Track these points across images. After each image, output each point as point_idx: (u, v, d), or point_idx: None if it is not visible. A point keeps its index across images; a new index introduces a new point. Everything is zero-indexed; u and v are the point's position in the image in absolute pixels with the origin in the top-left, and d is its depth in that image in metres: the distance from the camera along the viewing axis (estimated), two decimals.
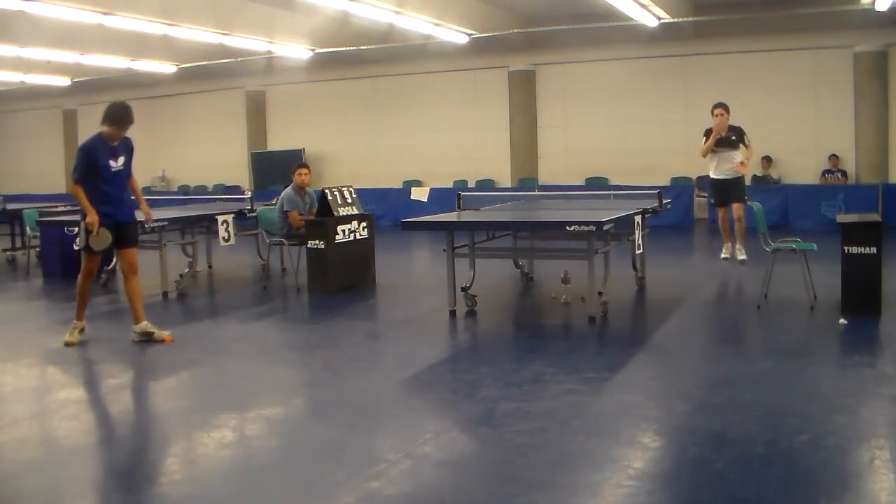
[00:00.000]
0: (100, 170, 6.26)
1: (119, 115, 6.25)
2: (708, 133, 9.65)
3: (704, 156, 9.71)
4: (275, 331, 7.32)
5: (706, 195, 9.87)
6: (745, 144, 9.59)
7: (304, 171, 9.24)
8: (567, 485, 3.61)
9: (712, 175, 9.82)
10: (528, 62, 16.96)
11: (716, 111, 9.55)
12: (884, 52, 14.41)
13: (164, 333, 6.49)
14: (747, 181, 10.55)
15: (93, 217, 6.19)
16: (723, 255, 9.84)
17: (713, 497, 3.46)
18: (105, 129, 6.28)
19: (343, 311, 7.73)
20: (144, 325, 6.49)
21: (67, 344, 6.42)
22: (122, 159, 6.40)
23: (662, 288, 8.48)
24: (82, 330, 6.59)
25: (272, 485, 3.67)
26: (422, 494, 3.66)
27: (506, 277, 9.07)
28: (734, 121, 9.71)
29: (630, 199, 8.55)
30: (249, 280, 9.89)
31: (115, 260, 9.42)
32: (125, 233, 6.51)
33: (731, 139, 9.52)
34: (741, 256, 9.64)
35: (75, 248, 7.49)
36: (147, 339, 6.44)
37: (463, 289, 7.46)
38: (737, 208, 9.64)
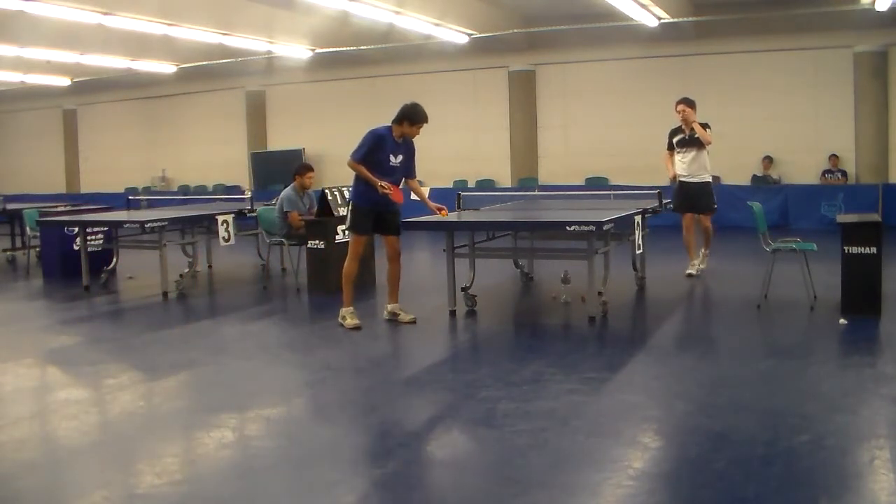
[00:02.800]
0: (379, 160, 6.60)
1: (413, 114, 6.66)
2: (671, 134, 8.95)
3: (671, 170, 9.00)
4: (275, 331, 7.32)
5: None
6: (706, 130, 8.68)
7: (312, 174, 9.25)
8: (567, 485, 3.61)
9: (680, 177, 8.91)
10: (528, 62, 16.96)
11: (678, 107, 8.73)
12: (884, 52, 14.40)
13: (409, 316, 6.91)
14: (749, 181, 10.27)
15: (380, 185, 6.51)
16: (687, 272, 8.89)
17: (713, 497, 3.46)
18: (399, 126, 6.68)
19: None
20: (395, 306, 6.99)
21: (355, 328, 6.74)
22: (400, 157, 6.74)
23: (662, 288, 8.48)
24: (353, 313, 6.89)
25: (272, 485, 3.67)
26: (422, 494, 3.66)
27: (506, 277, 9.07)
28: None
29: (630, 199, 8.55)
30: (249, 280, 9.89)
31: (115, 260, 9.45)
32: (389, 221, 6.84)
33: (694, 137, 8.69)
34: (695, 268, 8.89)
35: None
36: (393, 318, 6.96)
37: (463, 289, 7.46)
38: (704, 219, 8.91)
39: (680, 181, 8.92)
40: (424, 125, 6.69)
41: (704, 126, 8.75)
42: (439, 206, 7.06)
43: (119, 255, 9.51)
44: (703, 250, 9.10)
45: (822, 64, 14.79)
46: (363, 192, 6.69)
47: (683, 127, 8.83)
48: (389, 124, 6.70)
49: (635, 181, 14.31)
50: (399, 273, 6.97)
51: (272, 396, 5.11)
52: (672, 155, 9.01)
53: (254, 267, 10.50)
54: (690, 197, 8.86)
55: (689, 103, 8.78)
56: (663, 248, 10.45)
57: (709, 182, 8.94)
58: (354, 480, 3.69)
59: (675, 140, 8.93)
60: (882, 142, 14.56)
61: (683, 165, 8.87)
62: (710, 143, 8.70)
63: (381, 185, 6.49)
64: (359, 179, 6.70)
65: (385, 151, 6.62)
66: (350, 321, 6.79)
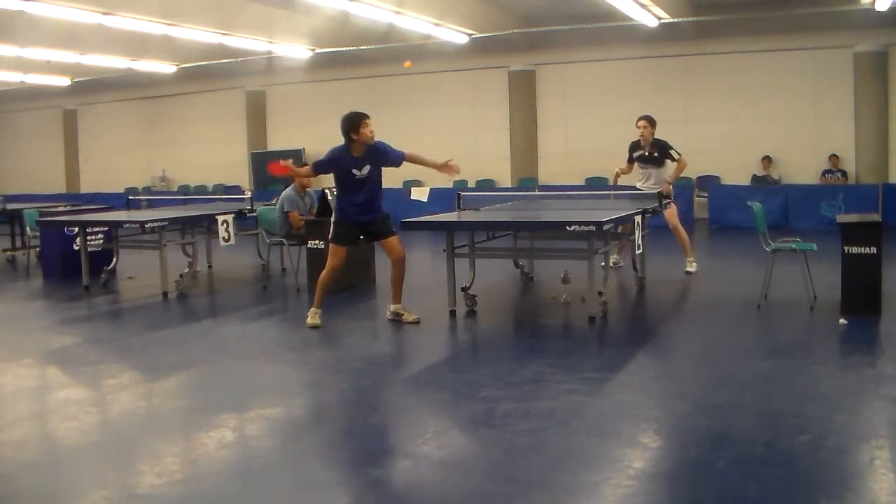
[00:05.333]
0: (343, 175, 6.66)
1: (350, 121, 6.63)
2: (631, 148, 9.09)
3: (627, 173, 9.18)
4: (275, 331, 7.32)
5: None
6: (672, 159, 8.91)
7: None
8: (567, 485, 3.60)
9: (638, 186, 9.12)
10: (528, 62, 16.96)
11: (639, 123, 8.93)
12: (884, 52, 14.40)
13: (412, 316, 6.93)
14: (750, 181, 10.26)
15: (296, 172, 7.09)
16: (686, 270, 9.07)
17: (713, 497, 3.46)
18: (351, 141, 6.65)
19: (343, 311, 7.72)
20: (398, 306, 6.99)
21: (313, 326, 6.81)
22: (367, 168, 6.67)
23: (662, 288, 8.48)
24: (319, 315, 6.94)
25: (272, 485, 3.67)
26: (422, 494, 3.66)
27: (506, 277, 9.06)
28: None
29: (630, 199, 8.55)
30: (249, 280, 9.88)
31: (115, 260, 9.45)
32: (377, 227, 6.87)
33: (653, 156, 8.89)
34: (690, 268, 9.02)
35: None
36: (396, 318, 6.97)
37: (463, 289, 7.46)
38: (670, 214, 8.86)
39: (637, 189, 9.10)
40: (371, 119, 6.66)
41: (667, 147, 8.93)
42: (445, 163, 6.90)
43: (119, 255, 9.51)
44: (688, 257, 9.18)
45: (822, 64, 14.79)
46: (342, 207, 6.79)
47: (642, 143, 9.00)
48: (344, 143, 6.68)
49: (635, 181, 14.29)
50: (402, 274, 6.94)
51: (272, 396, 5.11)
52: (630, 165, 9.20)
53: (254, 267, 10.50)
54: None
55: (651, 121, 8.99)
56: (663, 248, 10.44)
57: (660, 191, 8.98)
58: (354, 480, 3.69)
59: (634, 155, 9.11)
60: (882, 142, 14.56)
61: (642, 180, 9.13)
62: (683, 169, 9.09)
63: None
64: (337, 195, 6.88)
65: (345, 167, 6.62)
66: (311, 320, 6.87)
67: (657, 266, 9.23)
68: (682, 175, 15.54)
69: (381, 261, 9.18)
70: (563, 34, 15.37)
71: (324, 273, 6.86)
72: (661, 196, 8.18)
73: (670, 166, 9.10)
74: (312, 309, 6.93)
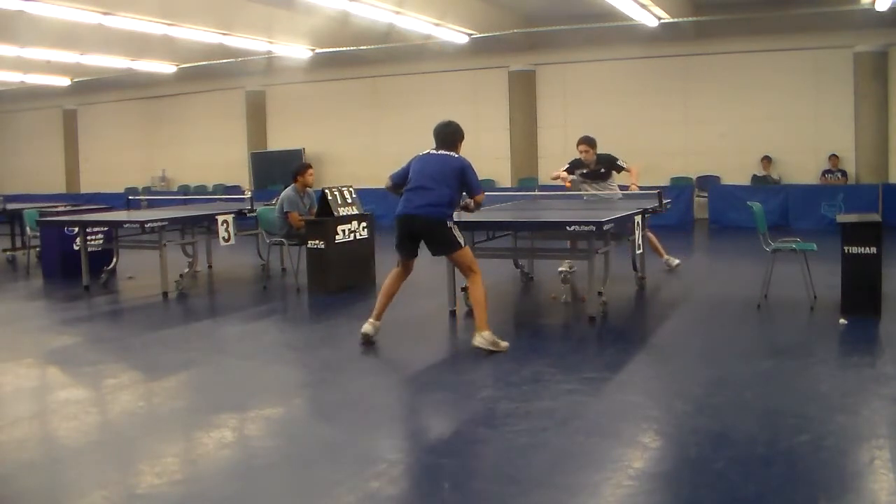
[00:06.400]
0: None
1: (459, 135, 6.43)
2: (572, 164, 9.06)
3: (568, 185, 9.18)
4: (275, 331, 7.32)
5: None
6: (623, 169, 9.00)
7: (312, 171, 9.30)
8: (567, 485, 3.60)
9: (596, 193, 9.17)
10: (528, 62, 16.96)
11: (580, 147, 8.94)
12: (884, 52, 14.40)
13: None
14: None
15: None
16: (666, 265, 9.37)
17: (713, 497, 3.45)
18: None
19: (343, 311, 7.72)
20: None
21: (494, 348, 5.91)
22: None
23: (662, 288, 8.48)
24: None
25: (272, 485, 3.67)
26: (422, 494, 3.66)
27: (506, 277, 9.06)
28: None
29: (630, 199, 8.55)
30: (249, 280, 9.88)
31: (115, 260, 9.45)
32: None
33: (600, 172, 9.02)
34: (672, 263, 9.39)
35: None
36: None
37: (463, 289, 7.45)
38: None
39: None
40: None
41: (613, 160, 8.98)
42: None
43: (119, 255, 9.52)
44: (664, 257, 9.42)
45: (822, 64, 14.79)
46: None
47: (585, 161, 9.00)
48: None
49: (584, 191, 14.29)
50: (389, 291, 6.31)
51: (272, 396, 5.11)
52: (570, 173, 9.11)
53: (254, 267, 10.50)
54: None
55: (591, 143, 8.95)
56: (663, 248, 10.44)
57: (616, 194, 9.13)
58: (354, 480, 3.69)
59: (577, 173, 9.09)
60: (882, 142, 14.56)
61: (594, 190, 9.12)
62: (638, 169, 9.25)
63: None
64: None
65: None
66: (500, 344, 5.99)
67: (657, 266, 9.24)
68: (680, 175, 15.50)
69: (381, 262, 9.19)
70: (563, 34, 15.36)
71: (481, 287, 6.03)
72: (660, 196, 8.20)
73: (615, 176, 9.16)
74: (489, 333, 5.96)
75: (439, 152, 6.23)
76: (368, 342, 6.20)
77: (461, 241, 6.11)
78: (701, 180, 15.70)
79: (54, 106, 22.39)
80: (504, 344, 5.93)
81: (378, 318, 6.27)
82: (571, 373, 5.29)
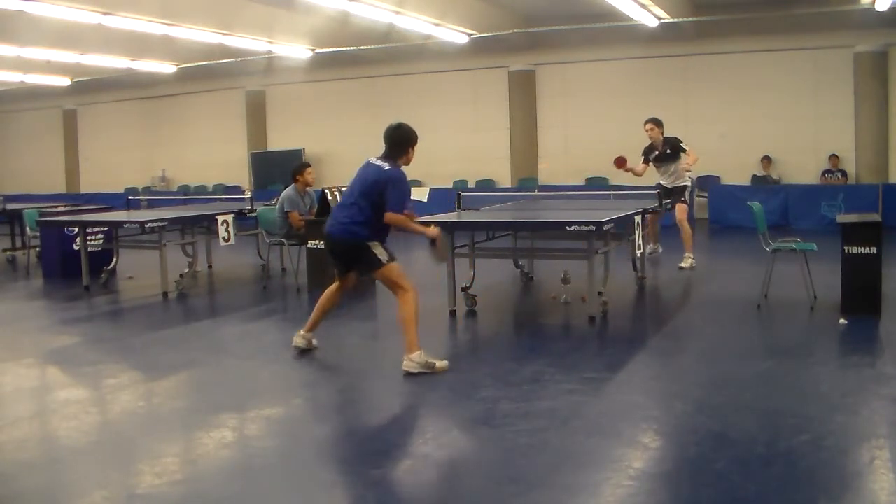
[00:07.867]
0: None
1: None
2: (646, 151, 9.72)
3: (640, 174, 9.70)
4: (275, 331, 7.32)
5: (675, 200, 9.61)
6: (684, 152, 9.54)
7: (311, 170, 9.32)
8: (567, 485, 3.60)
9: (660, 182, 9.82)
10: (528, 62, 16.95)
11: (647, 126, 9.61)
12: (884, 52, 14.39)
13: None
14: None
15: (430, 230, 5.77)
16: (680, 265, 9.47)
17: (713, 497, 3.46)
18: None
19: (343, 311, 7.71)
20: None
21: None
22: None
23: (662, 288, 8.48)
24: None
25: (272, 485, 3.67)
26: (422, 494, 3.66)
27: (506, 277, 9.06)
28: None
29: (630, 198, 8.55)
30: (249, 280, 9.88)
31: (115, 260, 9.45)
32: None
33: (666, 153, 9.57)
34: (684, 264, 9.41)
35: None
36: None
37: (463, 289, 7.46)
38: (679, 210, 9.50)
39: (661, 185, 9.63)
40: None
41: (677, 143, 9.56)
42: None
43: (119, 255, 9.51)
44: (686, 252, 9.56)
45: (822, 64, 14.78)
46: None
47: (655, 144, 9.59)
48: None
49: (635, 181, 14.30)
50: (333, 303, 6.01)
51: (272, 396, 5.11)
52: (645, 166, 9.74)
53: (254, 267, 10.50)
54: (668, 195, 9.38)
55: (658, 123, 9.60)
56: (663, 247, 10.45)
57: (685, 186, 9.70)
58: (354, 480, 3.69)
59: (650, 157, 9.70)
60: (882, 142, 14.56)
61: (663, 177, 9.74)
62: (695, 160, 9.56)
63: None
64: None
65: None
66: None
67: (658, 266, 9.23)
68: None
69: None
70: (563, 34, 15.36)
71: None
72: (660, 196, 8.23)
73: (682, 158, 9.60)
74: (418, 354, 5.43)
75: (376, 162, 5.65)
76: (303, 353, 5.97)
77: (383, 258, 5.49)
78: (701, 180, 15.66)
79: (54, 106, 22.39)
80: (441, 364, 5.38)
81: (310, 330, 6.01)
82: (571, 373, 5.29)
